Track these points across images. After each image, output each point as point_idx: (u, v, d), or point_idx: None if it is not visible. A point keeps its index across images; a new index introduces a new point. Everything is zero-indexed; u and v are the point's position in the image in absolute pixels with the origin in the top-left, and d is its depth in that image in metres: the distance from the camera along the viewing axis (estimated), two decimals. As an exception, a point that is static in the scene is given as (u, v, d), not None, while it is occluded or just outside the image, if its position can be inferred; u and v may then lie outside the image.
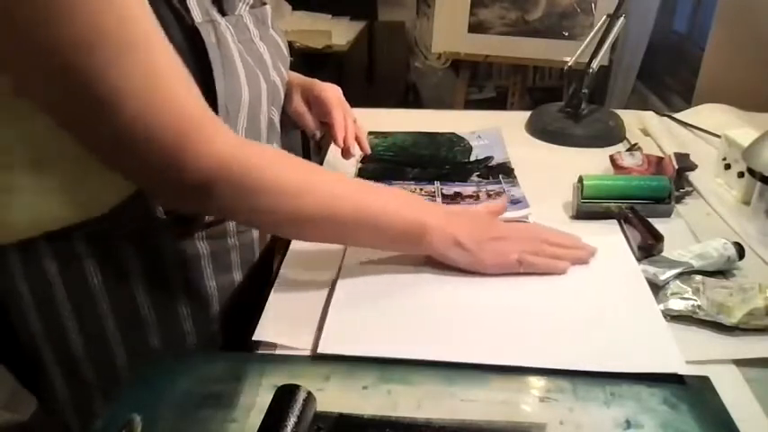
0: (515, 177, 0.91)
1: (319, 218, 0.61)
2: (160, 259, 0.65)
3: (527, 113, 1.16)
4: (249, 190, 0.57)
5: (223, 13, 0.63)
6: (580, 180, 0.81)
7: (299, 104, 0.87)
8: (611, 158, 0.92)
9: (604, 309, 0.63)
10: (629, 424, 0.49)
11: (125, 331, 0.66)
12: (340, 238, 0.68)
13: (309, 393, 0.47)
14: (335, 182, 0.64)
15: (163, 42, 0.52)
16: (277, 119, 0.76)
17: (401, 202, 0.66)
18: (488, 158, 0.97)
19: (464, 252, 0.66)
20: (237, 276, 0.73)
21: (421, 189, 0.88)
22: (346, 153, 0.86)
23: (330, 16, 2.69)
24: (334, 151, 1.05)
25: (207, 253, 0.68)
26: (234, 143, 0.57)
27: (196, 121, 0.54)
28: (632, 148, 0.99)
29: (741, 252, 0.70)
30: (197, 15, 0.58)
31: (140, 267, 0.64)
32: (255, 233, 0.75)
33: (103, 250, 0.62)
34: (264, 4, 0.73)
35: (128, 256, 0.63)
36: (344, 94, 0.88)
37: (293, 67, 0.84)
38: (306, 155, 2.50)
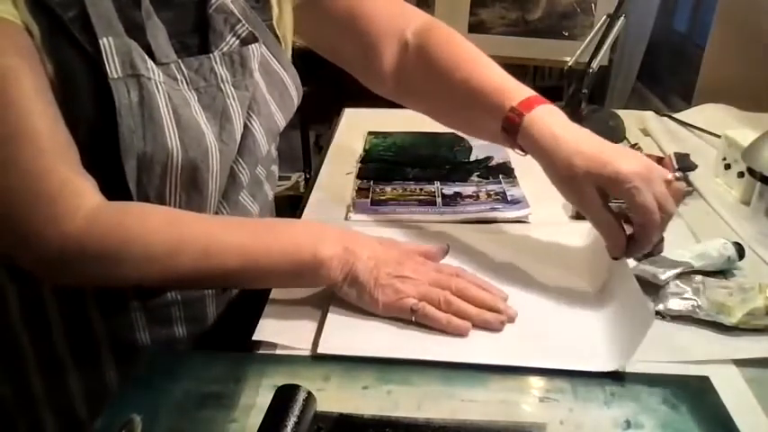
0: (515, 177, 0.91)
1: (198, 274, 0.58)
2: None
3: (527, 113, 1.15)
4: (111, 262, 0.56)
5: (157, 61, 0.59)
6: (580, 180, 0.81)
7: (574, 190, 0.63)
8: (611, 158, 0.92)
9: (604, 309, 0.63)
10: (628, 424, 0.49)
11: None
12: (228, 284, 0.67)
13: (309, 393, 0.47)
14: (211, 232, 0.60)
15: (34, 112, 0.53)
16: (247, 172, 0.68)
17: (288, 240, 0.61)
18: (488, 158, 0.97)
19: (357, 286, 0.60)
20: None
21: (421, 189, 0.88)
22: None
23: (330, 16, 2.68)
24: (334, 152, 1.05)
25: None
26: (86, 218, 0.55)
27: (47, 197, 0.54)
28: (632, 148, 0.99)
29: (741, 252, 0.70)
30: (114, 70, 0.56)
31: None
32: None
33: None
34: (256, 40, 0.67)
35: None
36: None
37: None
38: (306, 155, 2.50)
